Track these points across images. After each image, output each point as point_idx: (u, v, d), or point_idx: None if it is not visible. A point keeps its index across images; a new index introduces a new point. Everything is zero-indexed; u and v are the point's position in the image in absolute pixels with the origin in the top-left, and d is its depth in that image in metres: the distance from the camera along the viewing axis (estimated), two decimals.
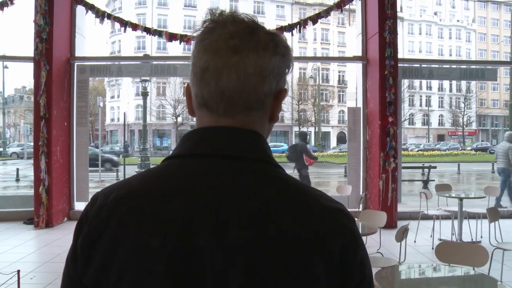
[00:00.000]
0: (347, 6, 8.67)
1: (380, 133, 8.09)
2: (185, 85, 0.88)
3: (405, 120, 58.92)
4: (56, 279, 5.14)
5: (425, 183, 14.02)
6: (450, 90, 62.46)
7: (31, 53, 8.04)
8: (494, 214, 5.04)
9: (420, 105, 62.08)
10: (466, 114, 59.29)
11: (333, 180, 19.87)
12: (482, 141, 59.09)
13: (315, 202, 0.77)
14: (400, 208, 8.66)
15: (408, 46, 64.01)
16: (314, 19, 8.02)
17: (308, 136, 10.52)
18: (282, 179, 0.79)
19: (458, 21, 67.15)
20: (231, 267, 0.71)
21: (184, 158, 0.81)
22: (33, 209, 8.01)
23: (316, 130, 48.67)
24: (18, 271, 4.05)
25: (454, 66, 9.53)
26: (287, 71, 0.85)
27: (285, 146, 41.95)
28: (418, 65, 9.32)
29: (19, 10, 8.22)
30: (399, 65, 8.42)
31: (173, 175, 0.79)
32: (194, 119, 0.86)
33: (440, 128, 63.43)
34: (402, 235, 3.83)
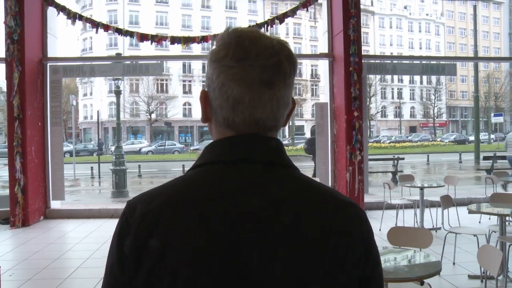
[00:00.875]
0: (313, 5, 8.97)
1: (346, 127, 8.45)
2: (201, 91, 0.93)
3: (377, 112, 59.85)
4: (36, 275, 5.33)
5: (394, 174, 14.50)
6: (421, 83, 63.68)
7: (2, 54, 8.15)
8: (447, 202, 5.44)
9: (392, 97, 63.16)
10: (436, 106, 60.55)
11: (307, 173, 20.26)
12: (452, 131, 60.48)
13: (336, 198, 0.88)
14: (368, 199, 9.07)
15: (379, 39, 65.00)
16: (281, 18, 8.32)
17: None
18: (302, 180, 0.88)
19: (427, 14, 68.46)
20: (275, 260, 0.78)
21: (213, 164, 0.87)
22: (8, 209, 8.13)
23: (290, 124, 49.14)
24: None
25: (416, 62, 9.92)
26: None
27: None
28: (381, 61, 9.71)
29: None
30: (363, 61, 8.80)
31: (208, 181, 0.85)
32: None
33: (412, 120, 64.58)
34: None
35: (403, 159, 15.44)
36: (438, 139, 48.37)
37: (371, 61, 9.44)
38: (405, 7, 67.72)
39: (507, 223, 5.32)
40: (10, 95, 7.94)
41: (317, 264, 0.79)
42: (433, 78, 59.75)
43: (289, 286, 0.78)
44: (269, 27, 8.24)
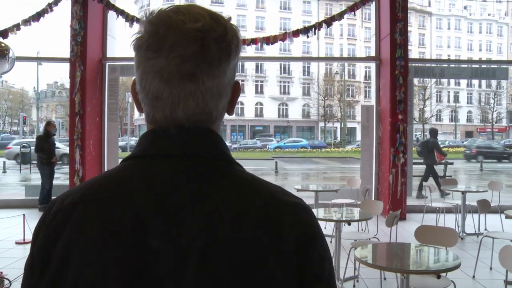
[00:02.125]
0: (362, 8, 9.09)
1: (390, 129, 8.53)
2: (131, 82, 0.84)
3: (432, 116, 58.40)
4: None
5: (442, 178, 14.29)
6: (479, 86, 61.44)
7: (65, 54, 8.84)
8: (484, 206, 5.47)
9: (448, 101, 61.32)
10: (496, 110, 58.37)
11: (357, 175, 20.25)
12: None
13: (273, 197, 0.77)
14: (411, 202, 9.10)
15: (436, 41, 63.23)
16: (329, 21, 8.50)
17: (438, 133, 11.16)
18: (239, 177, 0.79)
19: (489, 15, 65.87)
20: (186, 267, 0.70)
21: (140, 158, 0.80)
22: None
23: (342, 125, 48.84)
24: None
25: (465, 66, 9.82)
26: (238, 62, 0.84)
27: (304, 142, 42.34)
28: (429, 65, 9.69)
29: (55, 16, 8.92)
30: (411, 64, 8.85)
31: (128, 176, 0.79)
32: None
33: (468, 125, 62.53)
34: (392, 220, 4.34)
35: (452, 163, 15.15)
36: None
37: (418, 64, 9.43)
38: (465, 7, 65.47)
39: None
40: (73, 92, 8.60)
41: (237, 278, 0.70)
42: (493, 82, 57.64)
43: None
44: (316, 30, 8.44)
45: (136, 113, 56.44)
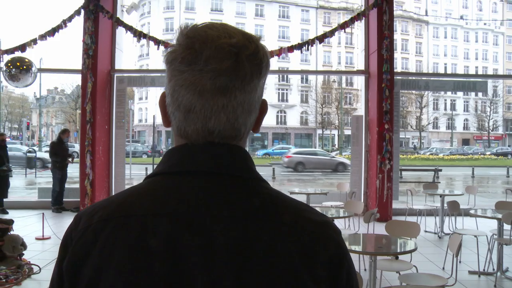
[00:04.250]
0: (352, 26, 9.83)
1: (377, 138, 9.25)
2: (160, 95, 0.86)
3: (429, 124, 59.15)
4: None
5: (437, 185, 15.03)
6: (476, 94, 62.21)
7: (78, 66, 9.56)
8: (453, 207, 6.20)
9: (445, 109, 62.07)
10: (492, 118, 59.11)
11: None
12: (509, 146, 58.69)
13: (303, 216, 0.78)
14: (397, 205, 9.79)
15: (433, 49, 64.05)
16: (321, 38, 9.24)
17: None
18: (268, 195, 0.79)
19: (485, 24, 66.74)
20: (217, 286, 0.71)
21: (169, 175, 0.80)
22: (79, 199, 9.49)
23: (339, 133, 49.49)
24: None
25: (448, 79, 10.57)
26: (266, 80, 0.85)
27: (293, 149, 43.18)
28: (415, 78, 10.45)
29: (68, 31, 9.66)
30: (398, 78, 9.59)
31: (159, 194, 0.78)
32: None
33: (465, 132, 63.19)
34: (369, 217, 5.05)
35: (440, 170, 15.91)
36: (488, 153, 47.03)
37: (404, 77, 10.18)
38: (461, 17, 66.37)
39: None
40: (84, 102, 9.31)
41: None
42: (490, 90, 58.41)
43: None
44: (309, 47, 9.17)
45: (136, 119, 57.18)
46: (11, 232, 5.11)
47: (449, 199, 8.07)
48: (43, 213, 7.11)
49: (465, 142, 61.14)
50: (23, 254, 5.34)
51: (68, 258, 0.77)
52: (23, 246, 5.28)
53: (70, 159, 9.96)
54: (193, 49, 0.77)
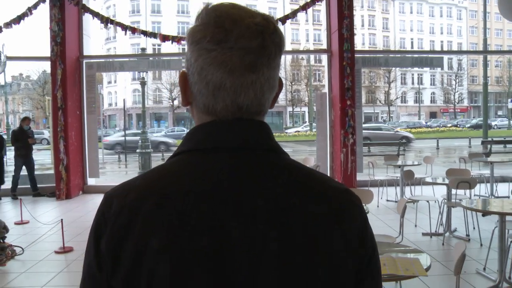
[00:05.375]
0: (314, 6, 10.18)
1: (340, 114, 9.73)
2: (180, 72, 0.86)
3: (397, 98, 60.26)
4: (83, 232, 6.82)
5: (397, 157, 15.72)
6: (442, 68, 63.48)
7: (47, 53, 9.66)
8: (408, 176, 6.73)
9: (412, 83, 63.24)
10: (457, 91, 60.58)
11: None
12: (473, 117, 60.20)
13: (328, 185, 0.82)
14: (361, 177, 10.33)
15: (400, 25, 64.89)
16: (283, 20, 9.58)
17: None
18: (293, 167, 0.83)
19: None
20: (264, 254, 0.73)
21: (195, 152, 0.82)
22: (54, 184, 9.70)
23: (309, 110, 50.05)
24: (62, 220, 5.73)
25: (406, 56, 11.07)
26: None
27: None
28: (374, 55, 10.94)
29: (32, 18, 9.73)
30: (358, 56, 10.04)
31: (188, 171, 0.80)
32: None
33: (433, 106, 64.51)
34: None
35: (405, 143, 16.58)
36: (467, 126, 47.65)
37: (364, 55, 10.64)
38: None
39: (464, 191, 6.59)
40: (55, 89, 9.46)
41: (312, 264, 0.75)
42: (454, 64, 59.75)
43: None
44: None
45: (106, 103, 56.41)
46: None
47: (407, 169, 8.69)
48: (20, 199, 7.34)
49: (433, 115, 62.46)
50: (5, 237, 5.62)
51: (106, 239, 0.77)
52: (5, 229, 5.56)
53: (30, 140, 9.81)
54: (223, 27, 0.78)
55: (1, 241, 5.51)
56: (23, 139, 9.76)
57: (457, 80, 60.19)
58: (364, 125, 31.36)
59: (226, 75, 0.79)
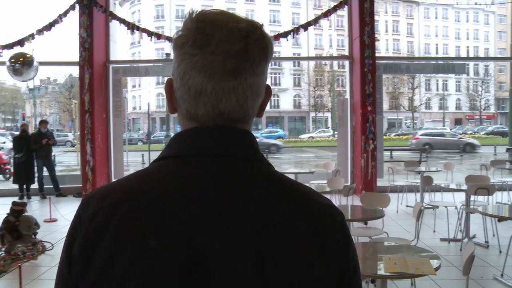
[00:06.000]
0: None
1: (361, 120, 9.81)
2: (166, 80, 0.85)
3: (421, 104, 59.58)
4: None
5: (418, 163, 15.66)
6: (468, 74, 62.53)
7: (75, 58, 10.02)
8: (427, 181, 6.78)
9: (437, 89, 62.45)
10: (483, 98, 59.61)
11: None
12: (500, 124, 59.15)
13: (310, 198, 0.81)
14: (381, 183, 10.38)
15: (425, 30, 64.17)
16: (305, 26, 9.72)
17: None
18: (276, 178, 0.81)
19: (475, 3, 66.84)
20: (235, 266, 0.71)
21: (177, 158, 0.81)
22: (81, 185, 10.03)
23: (332, 115, 49.90)
24: None
25: (428, 62, 11.08)
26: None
27: (281, 132, 43.81)
28: (396, 62, 11.00)
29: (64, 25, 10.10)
30: (379, 62, 10.11)
31: (168, 176, 0.79)
32: None
33: (458, 112, 63.59)
34: (348, 191, 5.62)
35: (427, 149, 16.50)
36: (482, 133, 47.03)
37: (385, 62, 10.72)
38: None
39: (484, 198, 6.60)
40: (82, 92, 9.79)
41: (289, 278, 0.73)
42: (481, 70, 58.79)
43: None
44: (295, 34, 9.65)
45: (130, 107, 57.29)
46: (25, 214, 5.64)
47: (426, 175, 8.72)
48: (49, 198, 7.64)
49: (458, 122, 61.53)
50: (37, 233, 5.89)
51: (79, 242, 0.76)
52: (37, 225, 5.82)
53: (47, 140, 10.03)
54: (204, 32, 0.77)
55: (33, 236, 5.78)
56: (41, 141, 10.08)
57: (483, 86, 59.15)
58: (425, 131, 30.79)
59: (207, 79, 0.78)
